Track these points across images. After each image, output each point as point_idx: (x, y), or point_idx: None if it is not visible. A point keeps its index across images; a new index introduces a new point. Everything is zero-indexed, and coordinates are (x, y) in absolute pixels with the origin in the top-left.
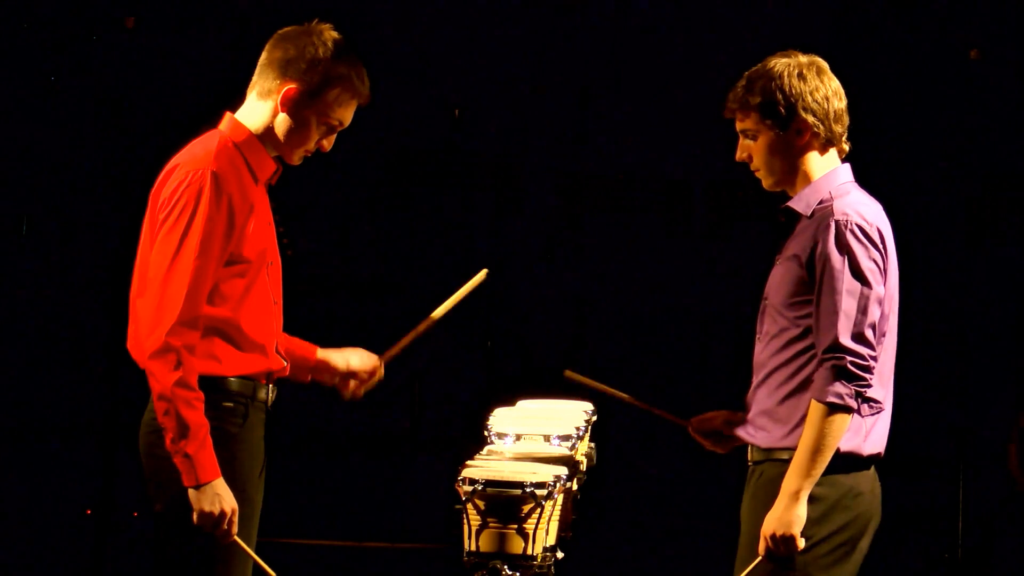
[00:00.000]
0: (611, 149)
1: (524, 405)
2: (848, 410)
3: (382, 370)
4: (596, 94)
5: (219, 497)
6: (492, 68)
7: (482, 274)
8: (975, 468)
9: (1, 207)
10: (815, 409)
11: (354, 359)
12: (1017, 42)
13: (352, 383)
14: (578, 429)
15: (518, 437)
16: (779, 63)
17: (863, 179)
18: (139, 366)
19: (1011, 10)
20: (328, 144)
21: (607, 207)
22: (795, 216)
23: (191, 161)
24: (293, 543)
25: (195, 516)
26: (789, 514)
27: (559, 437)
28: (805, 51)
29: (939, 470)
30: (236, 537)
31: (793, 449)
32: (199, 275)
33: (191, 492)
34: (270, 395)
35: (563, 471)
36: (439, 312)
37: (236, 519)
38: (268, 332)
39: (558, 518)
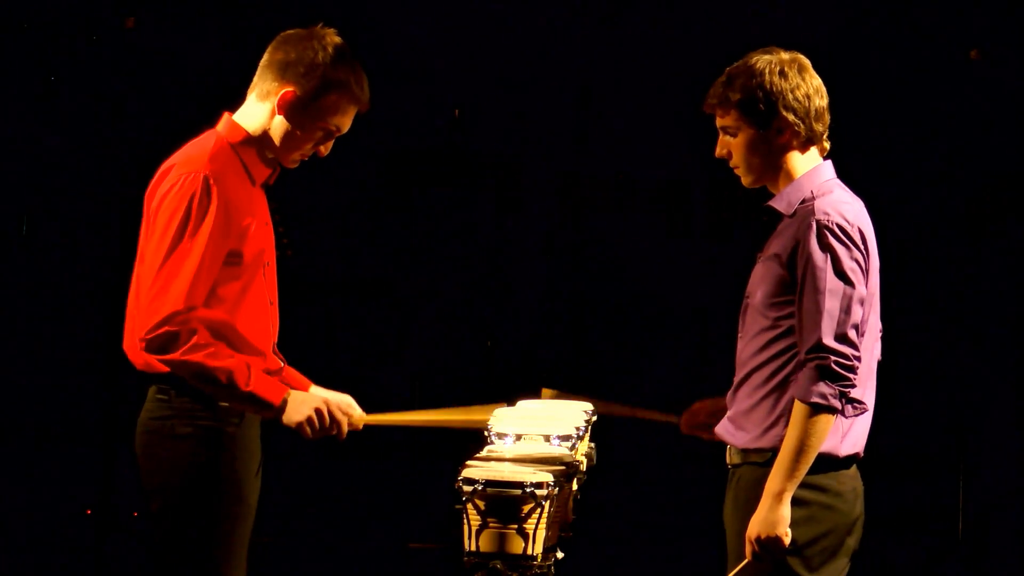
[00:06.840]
0: (611, 149)
1: (524, 405)
2: (832, 410)
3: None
4: (596, 94)
5: (303, 404)
6: (492, 68)
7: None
8: (975, 467)
9: (1, 207)
10: (798, 409)
11: (340, 409)
12: (1017, 42)
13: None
14: (578, 429)
15: (518, 437)
16: (760, 60)
17: (863, 179)
18: (136, 367)
19: (1011, 10)
20: (325, 150)
21: (607, 207)
22: (777, 215)
23: (186, 162)
24: (293, 543)
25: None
26: (773, 515)
27: (559, 437)
28: (806, 51)
29: (939, 470)
30: (358, 416)
31: (768, 450)
32: (194, 272)
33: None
34: None
35: (553, 475)
36: (442, 417)
37: (334, 408)
38: (265, 333)
39: (556, 518)
